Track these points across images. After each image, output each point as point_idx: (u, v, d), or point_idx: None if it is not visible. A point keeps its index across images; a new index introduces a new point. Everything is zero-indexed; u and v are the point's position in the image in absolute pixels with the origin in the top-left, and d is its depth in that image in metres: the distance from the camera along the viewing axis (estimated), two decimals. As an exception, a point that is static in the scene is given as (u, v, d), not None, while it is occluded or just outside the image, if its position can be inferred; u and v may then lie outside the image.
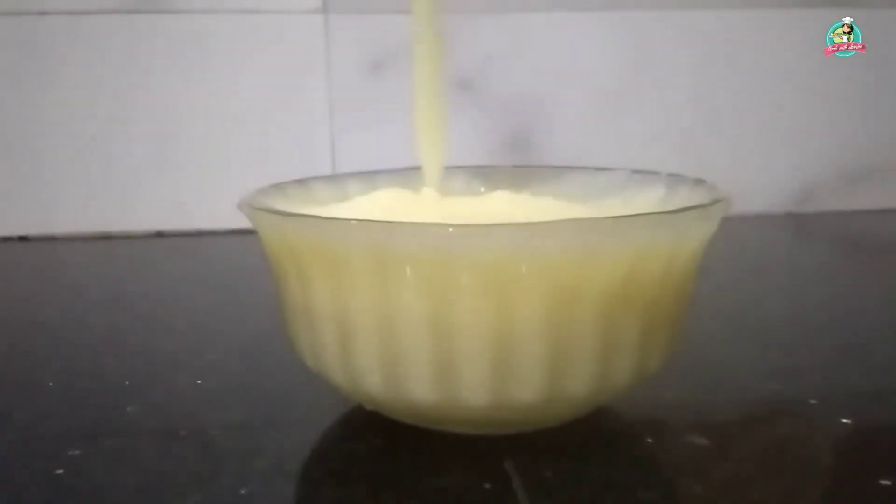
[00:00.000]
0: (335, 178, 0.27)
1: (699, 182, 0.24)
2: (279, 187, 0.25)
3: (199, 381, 0.26)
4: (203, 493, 0.19)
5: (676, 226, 0.19)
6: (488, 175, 0.29)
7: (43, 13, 0.50)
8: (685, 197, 0.23)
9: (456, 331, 0.18)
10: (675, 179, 0.25)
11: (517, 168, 0.30)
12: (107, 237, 0.53)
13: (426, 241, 0.18)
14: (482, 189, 0.28)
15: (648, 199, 0.25)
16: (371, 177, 0.28)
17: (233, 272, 0.44)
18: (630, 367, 0.20)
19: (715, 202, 0.20)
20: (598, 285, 0.18)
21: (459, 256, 0.18)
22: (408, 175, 0.27)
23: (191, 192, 0.53)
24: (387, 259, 0.18)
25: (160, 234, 0.53)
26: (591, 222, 0.19)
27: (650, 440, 0.22)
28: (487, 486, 0.19)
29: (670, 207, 0.20)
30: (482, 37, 0.53)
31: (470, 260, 0.18)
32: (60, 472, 0.20)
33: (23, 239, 0.52)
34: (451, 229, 0.18)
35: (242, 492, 0.19)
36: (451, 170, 0.26)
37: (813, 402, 0.24)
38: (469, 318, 0.18)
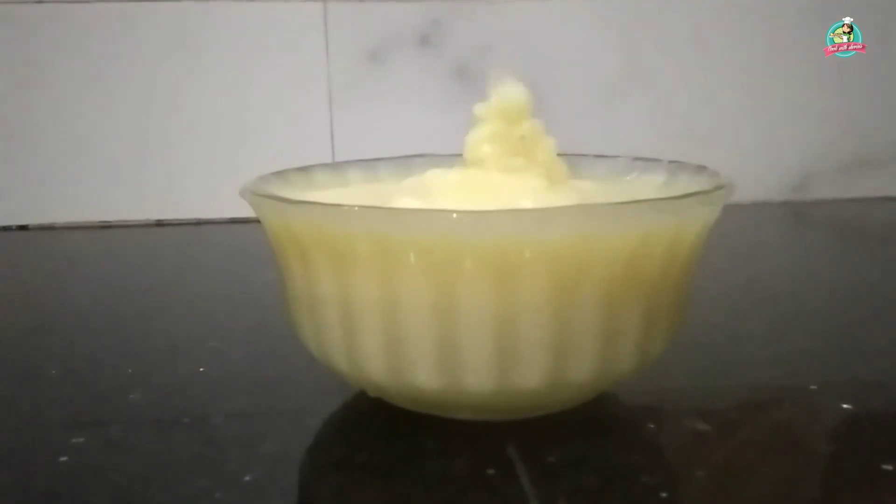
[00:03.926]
0: (336, 166, 0.27)
1: (700, 169, 0.24)
2: (281, 174, 0.25)
3: (201, 369, 0.26)
4: (207, 479, 0.19)
5: (679, 211, 0.19)
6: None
7: (40, 2, 0.50)
8: (687, 183, 0.23)
9: (459, 317, 0.18)
10: (676, 166, 0.25)
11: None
12: (106, 226, 0.53)
13: (430, 227, 0.18)
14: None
15: (650, 186, 0.25)
16: (372, 164, 0.28)
17: (233, 261, 0.44)
18: (632, 352, 0.20)
19: (717, 188, 0.20)
20: (601, 271, 0.18)
21: (463, 242, 0.18)
22: (407, 163, 0.27)
23: (190, 181, 0.53)
24: (390, 245, 0.18)
25: (160, 224, 0.53)
26: (593, 208, 0.19)
27: (652, 426, 0.22)
28: (491, 471, 0.19)
29: (672, 194, 0.20)
30: (479, 25, 0.53)
31: (474, 246, 0.18)
32: (64, 459, 0.20)
33: (22, 228, 0.52)
34: (454, 215, 0.18)
35: (246, 478, 0.19)
36: (452, 157, 0.26)
37: (813, 387, 0.24)
38: (472, 303, 0.18)
